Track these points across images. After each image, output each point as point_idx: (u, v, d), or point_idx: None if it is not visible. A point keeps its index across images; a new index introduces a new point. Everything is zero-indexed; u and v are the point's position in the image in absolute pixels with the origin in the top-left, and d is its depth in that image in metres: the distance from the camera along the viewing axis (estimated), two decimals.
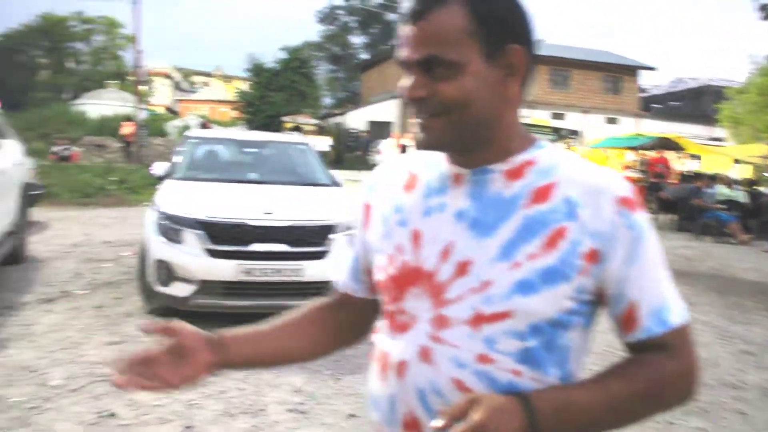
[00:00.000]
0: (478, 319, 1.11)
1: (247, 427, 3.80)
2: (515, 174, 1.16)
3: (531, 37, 1.15)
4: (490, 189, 1.16)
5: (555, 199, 1.11)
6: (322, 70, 44.44)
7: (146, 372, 1.22)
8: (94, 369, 4.56)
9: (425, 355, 1.15)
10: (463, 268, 1.13)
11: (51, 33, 49.87)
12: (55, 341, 5.13)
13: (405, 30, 1.12)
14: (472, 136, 1.14)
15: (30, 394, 4.11)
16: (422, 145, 1.17)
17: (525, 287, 1.09)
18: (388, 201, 1.29)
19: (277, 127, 28.18)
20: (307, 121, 31.97)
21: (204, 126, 28.49)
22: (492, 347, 1.11)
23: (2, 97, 19.21)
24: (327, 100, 46.96)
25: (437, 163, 1.24)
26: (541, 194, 1.12)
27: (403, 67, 1.14)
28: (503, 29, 1.10)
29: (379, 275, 1.28)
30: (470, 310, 1.12)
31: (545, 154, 1.18)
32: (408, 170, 1.30)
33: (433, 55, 1.08)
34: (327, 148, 27.13)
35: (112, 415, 3.85)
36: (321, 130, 31.97)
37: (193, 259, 5.48)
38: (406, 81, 1.14)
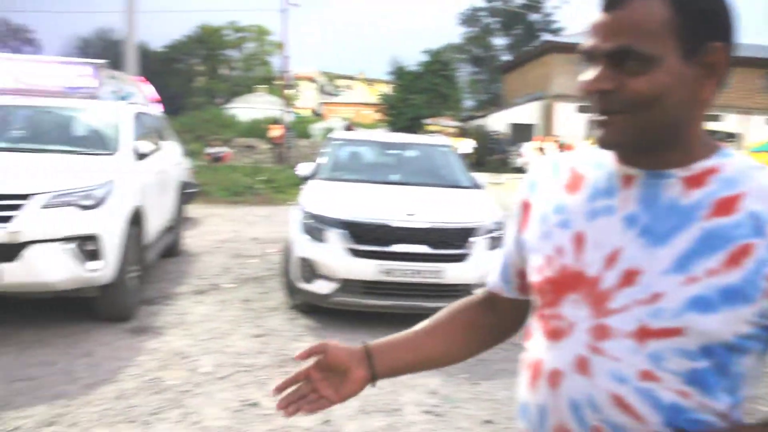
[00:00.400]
0: (644, 333, 1.04)
1: (383, 426, 3.83)
2: (696, 181, 1.06)
3: (733, 34, 1.05)
4: (665, 195, 1.07)
5: (740, 212, 1.02)
6: (464, 73, 44.27)
7: (307, 393, 1.31)
8: (239, 359, 4.78)
9: (582, 365, 1.09)
10: (630, 277, 1.06)
11: (207, 42, 53.23)
12: (206, 331, 5.43)
13: (597, 18, 1.05)
14: (656, 138, 1.06)
15: (183, 379, 4.38)
16: (601, 143, 1.09)
17: (701, 304, 1.00)
18: (549, 200, 1.22)
19: (418, 130, 28.45)
20: (448, 123, 32.03)
21: (348, 128, 29.21)
22: (658, 364, 1.03)
23: (164, 102, 20.72)
24: (468, 103, 46.77)
25: (604, 162, 1.16)
26: (725, 206, 1.03)
27: (587, 57, 1.07)
28: (706, 24, 1.02)
29: (535, 276, 1.22)
30: (635, 323, 1.04)
31: (731, 162, 1.08)
32: (571, 169, 1.23)
33: (627, 47, 1.01)
34: (470, 150, 27.02)
35: (255, 404, 4.02)
36: (462, 133, 31.92)
37: (336, 257, 5.62)
38: (589, 73, 1.06)
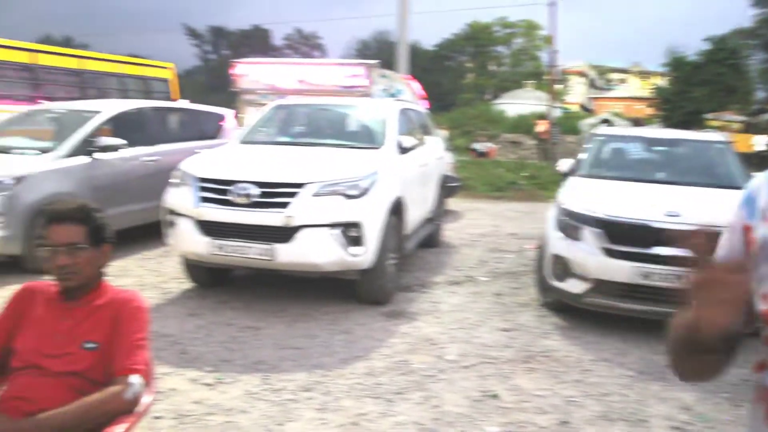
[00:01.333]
0: None
1: None
2: None
3: None
4: None
5: None
6: (755, 60, 39.63)
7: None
8: (485, 351, 4.84)
9: None
10: None
11: (476, 39, 54.16)
12: (456, 320, 5.58)
13: None
14: None
15: (428, 364, 4.56)
16: None
17: None
18: None
19: (697, 125, 26.17)
20: (732, 118, 29.04)
21: (637, 124, 27.69)
22: None
23: (434, 99, 21.50)
24: (760, 94, 41.83)
25: None
26: None
27: None
28: None
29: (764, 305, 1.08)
30: None
31: None
32: None
33: None
34: (765, 148, 24.22)
35: (495, 396, 4.05)
36: (750, 128, 28.72)
37: (590, 257, 5.41)
38: None
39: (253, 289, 6.38)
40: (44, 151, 7.42)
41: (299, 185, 5.43)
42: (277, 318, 5.52)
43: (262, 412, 3.78)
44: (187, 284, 6.44)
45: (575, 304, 5.54)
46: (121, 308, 2.25)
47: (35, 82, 12.72)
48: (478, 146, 26.69)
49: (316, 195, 5.41)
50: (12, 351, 2.23)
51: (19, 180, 6.79)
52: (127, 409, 2.11)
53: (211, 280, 6.33)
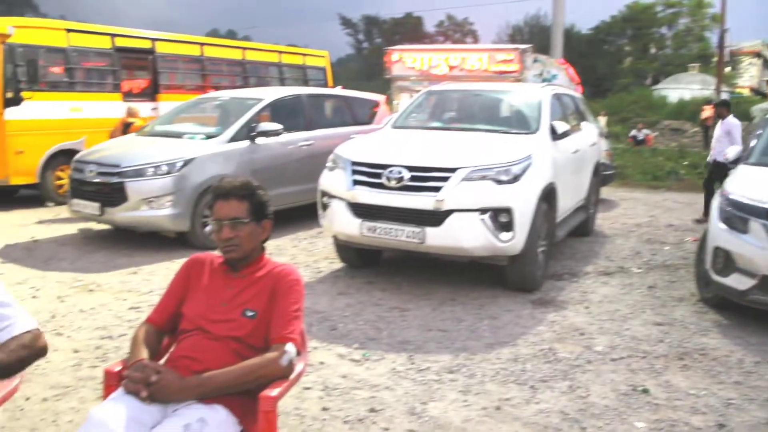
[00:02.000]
0: None
1: None
2: None
3: None
4: None
5: None
6: None
7: None
8: (636, 344, 4.67)
9: None
10: None
11: (636, 21, 51.40)
12: (606, 311, 5.42)
13: None
14: None
15: (575, 354, 4.47)
16: None
17: None
18: None
19: None
20: None
21: None
22: None
23: (589, 84, 20.79)
24: None
25: None
26: None
27: None
28: None
29: None
30: None
31: None
32: None
33: None
34: None
35: (645, 391, 3.90)
36: None
37: (758, 251, 5.02)
38: None
39: (400, 272, 6.52)
40: (210, 136, 7.98)
41: (451, 170, 5.48)
42: (423, 300, 5.62)
43: (406, 390, 3.88)
44: (338, 264, 6.70)
45: (738, 301, 5.19)
46: (279, 281, 2.41)
47: (203, 73, 13.65)
48: (636, 133, 25.48)
49: (467, 180, 5.43)
50: (181, 315, 2.45)
51: (187, 162, 7.34)
52: (282, 374, 2.27)
53: (360, 261, 6.55)
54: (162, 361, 2.39)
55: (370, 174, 5.71)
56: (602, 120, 22.97)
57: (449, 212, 5.37)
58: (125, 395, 2.10)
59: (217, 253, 2.53)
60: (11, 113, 10.30)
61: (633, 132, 25.71)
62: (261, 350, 2.31)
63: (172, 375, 2.16)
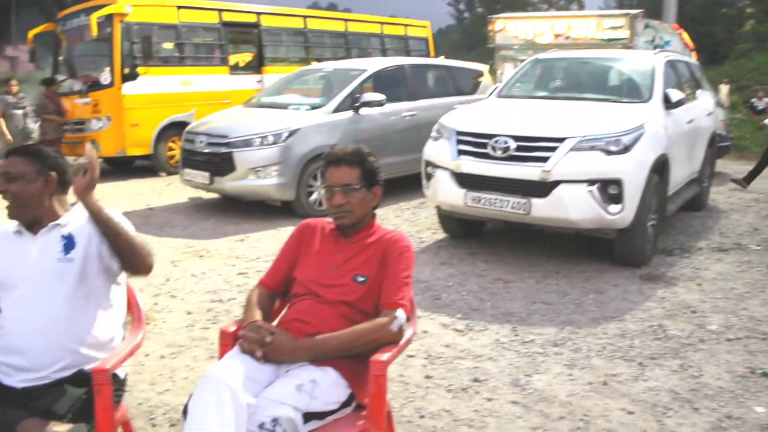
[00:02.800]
0: None
1: None
2: None
3: None
4: None
5: None
6: None
7: None
8: (754, 325, 4.43)
9: None
10: None
11: None
12: (720, 289, 5.17)
13: None
14: None
15: (687, 332, 4.29)
16: None
17: None
18: None
19: None
20: None
21: None
22: None
23: (705, 51, 19.64)
24: None
25: None
26: None
27: None
28: None
29: None
30: None
31: None
32: None
33: None
34: None
35: (766, 374, 3.70)
36: None
37: None
38: None
39: (503, 243, 6.45)
40: (314, 107, 8.11)
41: (558, 140, 5.34)
42: (527, 273, 5.55)
43: (510, 361, 3.86)
44: (440, 234, 6.70)
45: None
46: (389, 247, 2.43)
47: (306, 45, 13.86)
48: (756, 102, 23.95)
49: (576, 150, 5.27)
50: (293, 279, 2.52)
51: (292, 133, 7.50)
52: (392, 339, 2.30)
53: (463, 231, 6.52)
54: (274, 323, 2.47)
55: (476, 144, 5.64)
56: (724, 89, 21.75)
57: (556, 183, 5.25)
58: (241, 354, 2.19)
59: (327, 219, 2.58)
60: (128, 88, 10.84)
61: (752, 100, 24.18)
62: (371, 315, 2.34)
63: (285, 336, 2.24)
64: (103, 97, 10.88)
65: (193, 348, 4.11)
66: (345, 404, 2.26)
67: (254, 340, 2.20)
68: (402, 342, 2.34)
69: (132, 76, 10.82)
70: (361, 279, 2.40)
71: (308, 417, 2.12)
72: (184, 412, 2.05)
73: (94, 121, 10.93)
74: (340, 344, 2.24)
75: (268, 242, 6.59)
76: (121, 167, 12.20)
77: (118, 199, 8.86)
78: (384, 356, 2.21)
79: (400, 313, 2.31)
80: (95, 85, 11.06)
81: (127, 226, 2.34)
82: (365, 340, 2.27)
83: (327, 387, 2.19)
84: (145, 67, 10.97)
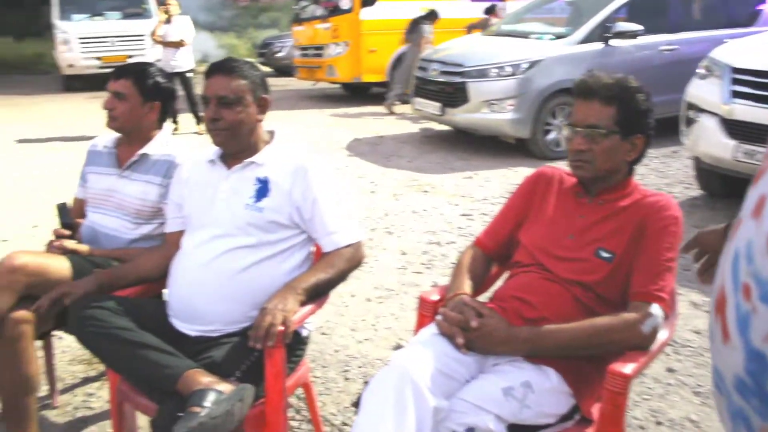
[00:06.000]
0: None
1: None
2: None
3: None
4: None
5: None
6: None
7: None
8: None
9: None
10: None
11: None
12: None
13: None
14: None
15: None
16: None
17: None
18: None
19: None
20: None
21: None
22: None
23: None
24: None
25: None
26: None
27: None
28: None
29: None
30: None
31: None
32: None
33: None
34: None
35: None
36: None
37: None
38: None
39: None
40: (559, 36, 7.33)
41: None
42: None
43: None
44: (695, 191, 5.71)
45: None
46: (650, 216, 1.78)
47: None
48: None
49: None
50: (518, 243, 1.97)
51: (533, 64, 6.85)
52: (640, 344, 1.68)
53: (725, 190, 5.46)
54: (487, 295, 1.96)
55: (757, 84, 4.56)
56: None
57: None
58: (436, 337, 1.72)
59: (567, 168, 1.96)
60: (366, 13, 10.71)
61: None
62: (613, 304, 1.74)
63: (497, 321, 1.70)
64: (342, 23, 10.89)
65: (402, 294, 3.79)
66: (565, 417, 1.72)
67: (457, 322, 1.70)
68: (653, 348, 1.71)
69: (370, 1, 10.67)
70: (606, 255, 1.77)
71: (514, 430, 1.62)
72: (356, 404, 1.64)
73: (333, 47, 11.01)
74: (570, 341, 1.66)
75: (497, 183, 6.09)
76: (358, 93, 12.29)
77: (348, 126, 8.84)
78: (627, 368, 1.59)
79: (656, 310, 1.67)
80: (335, 11, 11.09)
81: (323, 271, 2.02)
82: (604, 339, 1.67)
83: (544, 393, 1.66)
84: None
